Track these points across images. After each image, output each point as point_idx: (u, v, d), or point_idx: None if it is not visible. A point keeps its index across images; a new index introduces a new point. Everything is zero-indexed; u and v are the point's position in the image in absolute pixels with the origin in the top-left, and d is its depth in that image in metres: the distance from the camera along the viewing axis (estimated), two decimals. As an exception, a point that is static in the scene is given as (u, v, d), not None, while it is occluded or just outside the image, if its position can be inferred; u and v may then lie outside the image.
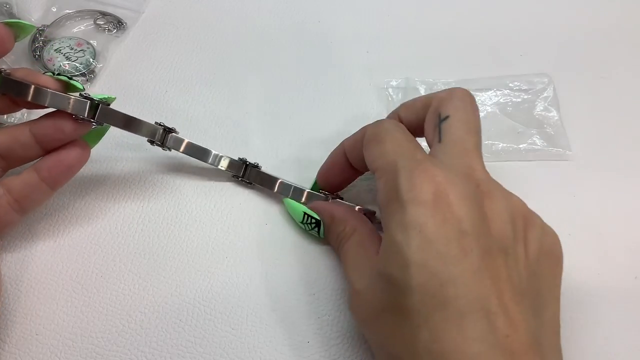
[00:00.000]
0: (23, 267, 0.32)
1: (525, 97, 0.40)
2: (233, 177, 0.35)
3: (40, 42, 0.41)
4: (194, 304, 0.31)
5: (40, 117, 0.29)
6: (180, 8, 0.45)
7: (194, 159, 0.34)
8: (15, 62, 0.40)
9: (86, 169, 0.36)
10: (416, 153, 0.26)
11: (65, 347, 0.29)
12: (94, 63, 0.40)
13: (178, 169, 0.36)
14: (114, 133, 0.37)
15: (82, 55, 0.40)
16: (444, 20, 0.45)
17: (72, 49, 0.40)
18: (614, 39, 0.44)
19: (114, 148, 0.37)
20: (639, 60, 0.43)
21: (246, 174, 0.35)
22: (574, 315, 0.31)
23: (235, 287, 0.32)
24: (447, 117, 0.28)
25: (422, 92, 0.40)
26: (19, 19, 0.42)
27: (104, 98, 0.30)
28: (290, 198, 0.33)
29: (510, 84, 0.41)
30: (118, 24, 0.43)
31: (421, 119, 0.29)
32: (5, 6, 0.42)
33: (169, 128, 0.33)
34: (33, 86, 0.28)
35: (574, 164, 0.38)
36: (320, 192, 0.33)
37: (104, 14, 0.44)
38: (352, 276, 0.27)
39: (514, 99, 0.40)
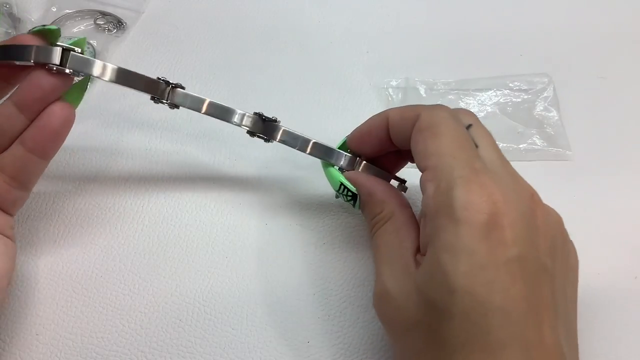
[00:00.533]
0: (23, 267, 0.32)
1: (525, 97, 0.40)
2: (255, 135, 0.32)
3: (40, 42, 0.41)
4: (194, 304, 0.31)
5: (19, 85, 0.28)
6: (180, 8, 0.45)
7: (188, 158, 0.34)
8: (15, 62, 0.39)
9: (86, 169, 0.36)
10: (474, 160, 0.24)
11: (65, 347, 0.29)
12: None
13: (178, 168, 0.36)
14: (112, 132, 0.37)
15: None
16: (444, 20, 0.45)
17: (72, 49, 0.40)
18: (613, 39, 0.44)
19: (114, 148, 0.37)
20: (639, 60, 0.43)
21: (268, 131, 0.32)
22: (574, 315, 0.31)
23: (235, 287, 0.32)
24: (470, 125, 0.26)
25: (422, 92, 0.40)
26: (20, 19, 0.42)
27: (74, 42, 0.27)
28: (322, 159, 0.31)
29: (510, 84, 0.41)
30: (118, 24, 0.43)
31: (409, 130, 0.27)
32: (5, 6, 0.42)
33: (172, 83, 0.31)
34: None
35: (574, 164, 0.38)
36: (350, 154, 0.31)
37: (104, 14, 0.44)
38: (384, 271, 0.26)
39: (514, 99, 0.40)
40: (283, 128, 0.32)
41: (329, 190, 0.35)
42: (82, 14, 0.44)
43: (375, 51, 0.43)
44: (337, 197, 0.32)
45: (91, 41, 0.41)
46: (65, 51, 0.27)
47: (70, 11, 0.44)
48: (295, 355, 0.29)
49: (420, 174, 0.26)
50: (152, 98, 0.31)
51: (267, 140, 0.32)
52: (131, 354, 0.29)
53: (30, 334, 0.30)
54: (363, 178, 0.30)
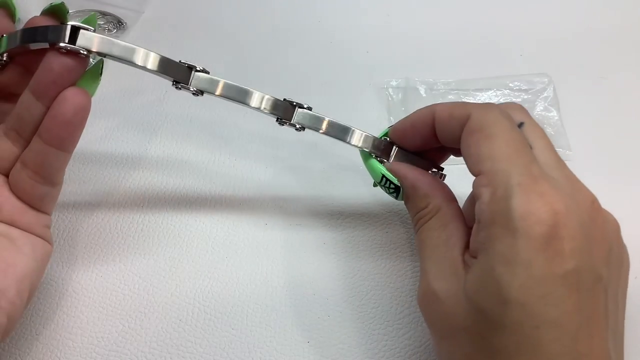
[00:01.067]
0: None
1: (525, 97, 0.40)
2: (279, 120, 0.30)
3: (40, 42, 0.41)
4: (194, 304, 0.31)
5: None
6: (180, 8, 0.45)
7: (188, 158, 0.34)
8: (15, 62, 0.39)
9: (86, 169, 0.36)
10: (531, 164, 0.23)
11: (65, 347, 0.29)
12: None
13: (178, 168, 0.36)
14: (111, 131, 0.37)
15: (82, 55, 0.40)
16: (444, 21, 0.45)
17: (72, 49, 0.40)
18: (613, 39, 0.44)
19: (114, 147, 0.37)
20: (639, 60, 0.43)
21: (294, 116, 0.30)
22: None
23: (235, 287, 0.32)
24: (522, 123, 0.25)
25: (422, 92, 0.40)
26: (20, 19, 0.42)
27: (85, 20, 0.26)
28: (360, 148, 0.30)
29: (510, 84, 0.41)
30: (118, 24, 0.43)
31: (458, 130, 0.26)
32: (5, 6, 0.42)
33: (193, 66, 0.29)
34: (4, 35, 0.26)
35: (574, 164, 0.37)
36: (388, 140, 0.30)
37: (104, 14, 0.44)
38: (429, 270, 0.25)
39: (514, 99, 0.40)
40: (327, 118, 0.31)
41: (328, 190, 0.35)
42: (82, 14, 0.44)
43: (375, 51, 0.43)
44: (375, 185, 0.30)
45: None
46: (75, 30, 0.25)
47: (70, 11, 0.43)
48: (295, 355, 0.29)
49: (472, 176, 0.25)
50: (175, 84, 0.29)
51: (299, 129, 0.31)
52: (131, 354, 0.29)
53: (30, 334, 0.30)
54: (406, 169, 0.28)
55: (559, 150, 0.38)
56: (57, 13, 0.27)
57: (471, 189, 0.25)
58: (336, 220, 0.34)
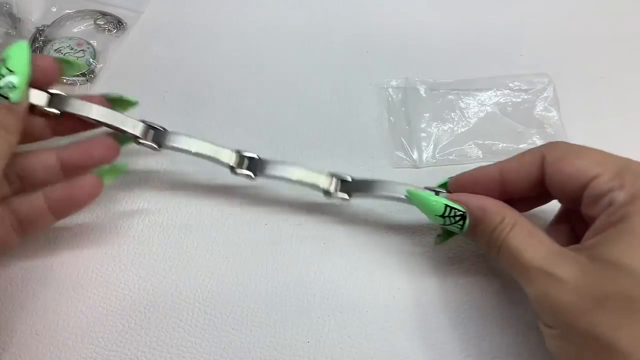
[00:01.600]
0: (23, 267, 0.32)
1: (525, 97, 0.40)
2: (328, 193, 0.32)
3: (41, 42, 0.41)
4: (194, 304, 0.31)
5: (71, 144, 0.30)
6: (180, 8, 0.45)
7: (188, 159, 0.34)
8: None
9: (86, 169, 0.36)
10: (631, 161, 0.27)
11: (65, 347, 0.29)
12: (94, 63, 0.40)
13: (178, 168, 0.36)
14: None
15: (82, 55, 0.40)
16: (444, 21, 0.45)
17: (72, 49, 0.40)
18: (613, 39, 0.44)
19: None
20: (639, 60, 0.43)
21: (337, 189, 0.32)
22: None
23: (235, 287, 0.32)
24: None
25: (422, 92, 0.40)
26: (20, 19, 0.42)
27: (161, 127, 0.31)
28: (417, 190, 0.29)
29: (510, 84, 0.41)
30: (118, 24, 0.43)
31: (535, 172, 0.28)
32: (5, 6, 0.42)
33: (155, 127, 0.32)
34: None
35: (574, 164, 0.37)
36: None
37: (104, 14, 0.44)
38: (542, 264, 0.25)
39: (514, 99, 0.40)
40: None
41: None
42: (82, 14, 0.44)
43: (375, 51, 0.43)
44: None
45: (91, 41, 0.41)
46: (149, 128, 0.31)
47: (70, 11, 0.43)
48: (295, 355, 0.29)
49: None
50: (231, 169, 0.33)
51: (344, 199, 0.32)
52: (131, 354, 0.29)
53: (30, 334, 0.30)
54: (468, 195, 0.29)
55: (559, 150, 0.38)
56: (121, 104, 0.31)
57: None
58: (337, 220, 0.34)
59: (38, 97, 0.29)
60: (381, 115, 0.39)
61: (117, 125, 0.31)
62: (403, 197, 0.30)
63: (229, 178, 0.36)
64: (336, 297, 0.31)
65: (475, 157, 0.37)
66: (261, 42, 0.43)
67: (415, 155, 0.37)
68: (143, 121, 0.32)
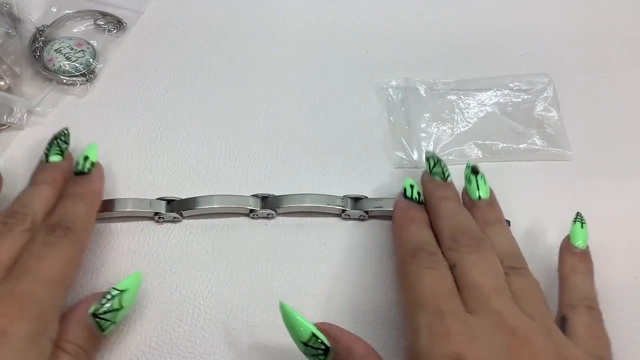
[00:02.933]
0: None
1: (525, 97, 0.40)
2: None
3: (40, 42, 0.41)
4: (194, 304, 0.31)
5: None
6: (180, 8, 0.45)
7: (189, 158, 0.34)
8: (15, 62, 0.39)
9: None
10: (445, 302, 0.25)
11: (65, 347, 0.29)
12: (94, 63, 0.40)
13: (178, 168, 0.36)
14: (110, 128, 0.37)
15: (82, 55, 0.40)
16: (444, 21, 0.45)
17: (72, 49, 0.40)
18: (613, 39, 0.44)
19: (114, 147, 0.37)
20: (639, 60, 0.43)
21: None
22: (574, 315, 0.31)
23: (235, 287, 0.32)
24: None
25: (422, 92, 0.40)
26: (20, 19, 0.42)
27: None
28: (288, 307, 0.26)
29: (510, 84, 0.41)
30: (118, 24, 0.43)
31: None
32: (6, 6, 0.42)
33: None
34: None
35: (574, 164, 0.38)
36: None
37: (104, 14, 0.44)
38: None
39: (514, 99, 0.40)
40: None
41: (329, 190, 0.35)
42: (82, 14, 0.44)
43: (375, 51, 0.43)
44: (301, 348, 0.27)
45: (91, 41, 0.41)
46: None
47: (70, 11, 0.43)
48: (295, 355, 0.29)
49: None
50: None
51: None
52: (131, 354, 0.29)
53: (31, 334, 0.30)
54: (340, 331, 0.26)
55: (559, 150, 0.38)
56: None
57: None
58: (337, 220, 0.34)
59: None
60: (381, 115, 0.39)
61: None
62: (326, 206, 0.33)
63: (229, 178, 0.36)
64: (336, 297, 0.31)
65: (475, 157, 0.37)
66: (261, 42, 0.43)
67: (415, 155, 0.37)
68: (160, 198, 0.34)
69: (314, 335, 0.25)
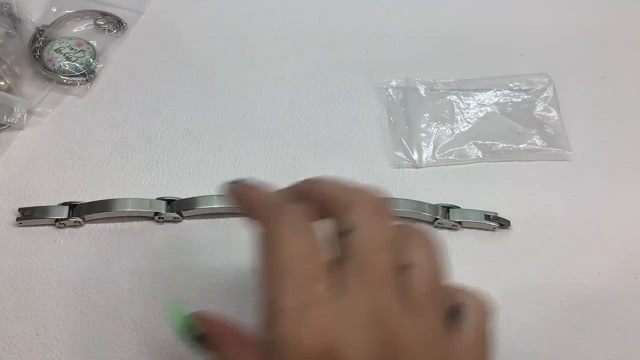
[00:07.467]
0: (23, 267, 0.32)
1: (525, 97, 0.40)
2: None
3: (40, 42, 0.41)
4: (194, 304, 0.31)
5: None
6: (180, 8, 0.45)
7: (189, 159, 0.34)
8: (15, 62, 0.39)
9: (86, 169, 0.36)
10: (307, 290, 0.19)
11: (65, 347, 0.29)
12: (94, 63, 0.40)
13: (178, 168, 0.36)
14: (108, 127, 0.37)
15: (82, 55, 0.40)
16: (444, 21, 0.45)
17: (72, 49, 0.40)
18: (613, 39, 0.44)
19: (114, 147, 0.37)
20: (639, 60, 0.43)
21: None
22: (574, 314, 0.31)
23: (235, 287, 0.32)
24: (351, 230, 0.21)
25: (422, 92, 0.40)
26: (20, 19, 0.42)
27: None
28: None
29: (510, 84, 0.41)
30: (118, 24, 0.43)
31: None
32: (6, 6, 0.42)
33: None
34: None
35: (574, 164, 0.38)
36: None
37: (104, 14, 0.44)
38: None
39: (514, 99, 0.40)
40: None
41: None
42: (82, 14, 0.44)
43: (375, 51, 0.43)
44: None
45: (91, 41, 0.41)
46: None
47: (70, 11, 0.43)
48: (295, 355, 0.29)
49: None
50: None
51: None
52: (131, 353, 0.29)
53: (30, 334, 0.30)
54: (225, 325, 0.24)
55: (559, 150, 0.38)
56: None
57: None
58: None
59: None
60: (381, 115, 0.39)
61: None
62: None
63: (229, 178, 0.36)
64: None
65: (475, 157, 0.37)
66: (261, 42, 0.43)
67: (415, 156, 0.37)
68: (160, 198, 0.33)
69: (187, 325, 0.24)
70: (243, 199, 0.24)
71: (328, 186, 0.23)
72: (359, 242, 0.20)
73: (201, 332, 0.24)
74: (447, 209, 0.34)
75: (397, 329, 0.19)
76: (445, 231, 0.34)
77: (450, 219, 0.33)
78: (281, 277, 0.19)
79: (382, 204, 0.21)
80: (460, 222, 0.33)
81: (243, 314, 0.30)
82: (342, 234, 0.21)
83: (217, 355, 0.23)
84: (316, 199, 0.23)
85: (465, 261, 0.32)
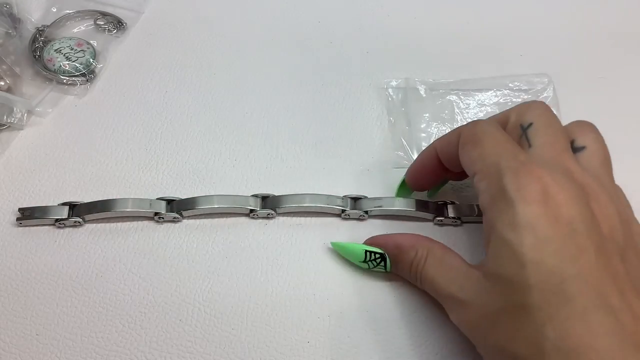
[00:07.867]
0: (23, 267, 0.32)
1: (525, 97, 0.40)
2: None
3: (40, 42, 0.41)
4: (194, 304, 0.31)
5: None
6: (180, 8, 0.45)
7: (189, 159, 0.34)
8: (15, 62, 0.40)
9: (86, 169, 0.36)
10: (518, 154, 0.25)
11: (65, 347, 0.29)
12: (94, 63, 0.40)
13: (179, 169, 0.36)
14: (108, 126, 0.37)
15: (82, 55, 0.40)
16: (444, 21, 0.45)
17: (72, 49, 0.40)
18: (613, 38, 0.44)
19: (115, 147, 0.37)
20: (639, 60, 0.43)
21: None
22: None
23: (235, 287, 0.32)
24: (530, 124, 0.27)
25: (422, 92, 0.40)
26: (20, 19, 0.42)
27: None
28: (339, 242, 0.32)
29: (510, 84, 0.41)
30: (118, 24, 0.43)
31: (456, 151, 0.29)
32: (6, 6, 0.42)
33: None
34: None
35: (574, 164, 0.37)
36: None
37: (104, 14, 0.44)
38: (451, 290, 0.26)
39: (514, 99, 0.40)
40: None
41: (329, 190, 0.35)
42: (82, 14, 0.44)
43: (375, 51, 0.43)
44: (364, 267, 0.31)
45: (91, 41, 0.41)
46: None
47: (70, 11, 0.44)
48: (295, 355, 0.29)
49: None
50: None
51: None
52: (131, 354, 0.29)
53: (30, 334, 0.30)
54: (384, 236, 0.31)
55: (559, 150, 0.38)
56: None
57: None
58: (337, 220, 0.34)
59: None
60: (381, 115, 0.39)
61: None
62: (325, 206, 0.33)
63: (229, 178, 0.36)
64: (336, 297, 0.31)
65: (475, 157, 0.37)
66: (261, 42, 0.43)
67: (415, 156, 0.37)
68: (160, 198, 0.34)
69: (366, 251, 0.30)
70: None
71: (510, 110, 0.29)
72: (538, 129, 0.27)
73: (380, 251, 0.30)
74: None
75: (584, 180, 0.25)
76: (445, 228, 0.34)
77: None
78: (499, 148, 0.26)
79: (549, 107, 0.28)
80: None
81: (243, 314, 0.31)
82: (525, 129, 0.27)
83: (408, 259, 0.29)
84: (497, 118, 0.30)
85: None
